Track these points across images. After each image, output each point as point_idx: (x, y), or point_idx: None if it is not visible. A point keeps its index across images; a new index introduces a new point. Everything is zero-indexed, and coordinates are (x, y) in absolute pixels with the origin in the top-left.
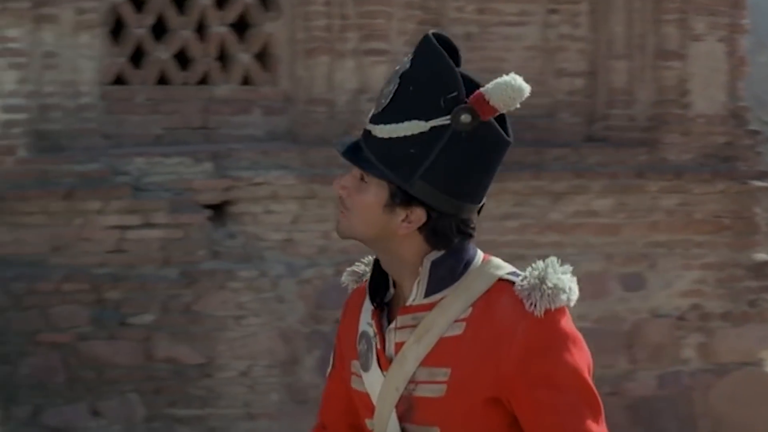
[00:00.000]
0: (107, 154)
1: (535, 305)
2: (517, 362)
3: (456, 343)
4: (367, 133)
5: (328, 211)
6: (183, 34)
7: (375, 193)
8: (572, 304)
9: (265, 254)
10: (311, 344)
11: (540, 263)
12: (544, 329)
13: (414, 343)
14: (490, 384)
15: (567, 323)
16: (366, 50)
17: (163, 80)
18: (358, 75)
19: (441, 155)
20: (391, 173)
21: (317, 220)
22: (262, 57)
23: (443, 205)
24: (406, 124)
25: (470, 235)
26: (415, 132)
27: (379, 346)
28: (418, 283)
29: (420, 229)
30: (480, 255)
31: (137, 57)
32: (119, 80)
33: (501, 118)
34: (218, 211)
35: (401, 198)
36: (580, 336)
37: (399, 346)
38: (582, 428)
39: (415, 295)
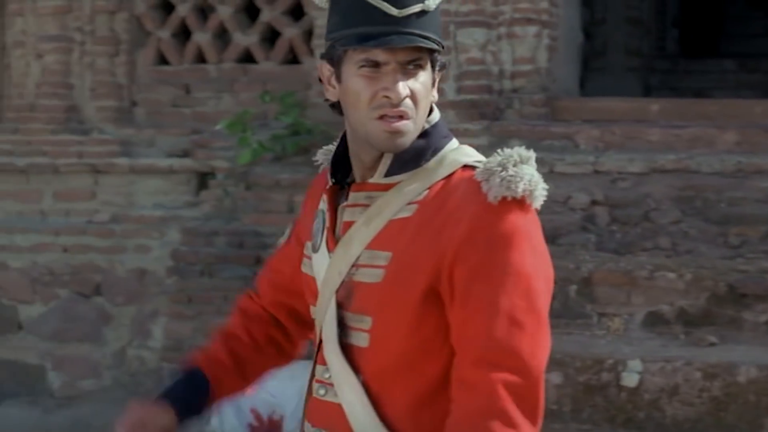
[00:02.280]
0: None
1: (490, 190)
2: (459, 249)
3: (403, 226)
4: (412, 16)
5: None
6: None
7: (429, 73)
8: (534, 201)
9: None
10: None
11: (507, 150)
12: (496, 218)
13: (363, 224)
14: (429, 272)
15: (525, 219)
16: None
17: None
18: None
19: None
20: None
21: None
22: None
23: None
24: None
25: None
26: None
27: (328, 224)
28: (382, 159)
29: None
30: (454, 144)
31: None
32: None
33: None
34: None
35: (439, 63)
36: (539, 239)
37: (347, 226)
38: (511, 340)
39: (377, 172)
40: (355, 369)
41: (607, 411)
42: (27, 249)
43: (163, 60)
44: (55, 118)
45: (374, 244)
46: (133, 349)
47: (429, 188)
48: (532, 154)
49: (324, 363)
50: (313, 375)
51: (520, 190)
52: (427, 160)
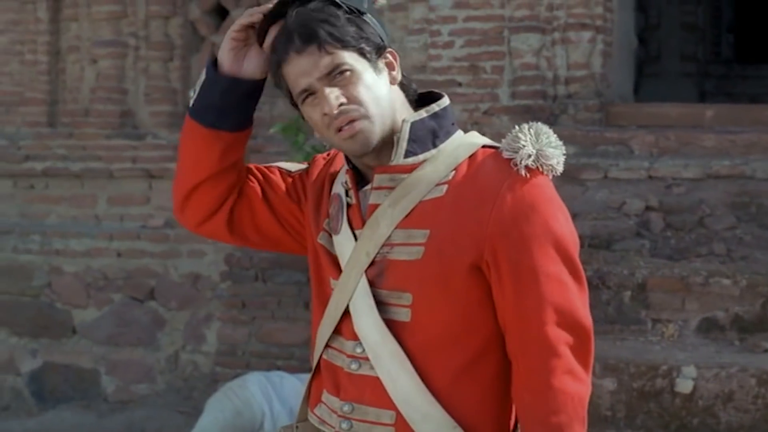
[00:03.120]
0: None
1: (521, 162)
2: (500, 222)
3: (437, 205)
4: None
5: None
6: None
7: (366, 68)
8: (558, 172)
9: None
10: None
11: (527, 126)
12: (531, 189)
13: (389, 206)
14: (470, 247)
15: (551, 188)
16: None
17: None
18: None
19: None
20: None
21: None
22: None
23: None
24: None
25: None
26: None
27: (353, 202)
28: (398, 141)
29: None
30: (461, 132)
31: None
32: None
33: None
34: None
35: (372, 47)
36: (563, 204)
37: (372, 208)
38: (565, 302)
39: (394, 155)
40: (398, 342)
41: (661, 417)
42: (81, 254)
43: None
44: (110, 122)
45: (408, 224)
46: (186, 354)
47: (455, 169)
48: (547, 128)
49: (354, 338)
50: (335, 350)
51: (550, 165)
52: (442, 141)
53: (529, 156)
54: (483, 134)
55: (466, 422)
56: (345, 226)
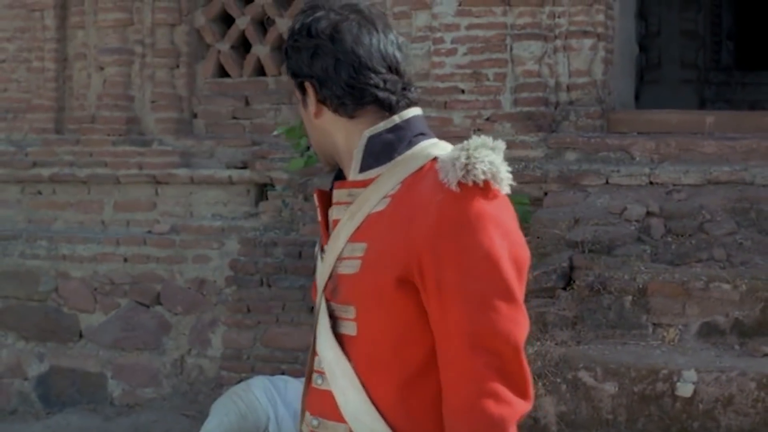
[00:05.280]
0: None
1: (448, 177)
2: (427, 238)
3: (377, 219)
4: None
5: None
6: None
7: (308, 98)
8: (500, 185)
9: None
10: None
11: (472, 139)
12: (459, 205)
13: (347, 220)
14: (400, 261)
15: (490, 204)
16: None
17: None
18: None
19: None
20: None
21: None
22: None
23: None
24: None
25: (399, 106)
26: None
27: (320, 219)
28: (354, 156)
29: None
30: (431, 139)
31: None
32: None
33: None
34: None
35: (297, 81)
36: (508, 222)
37: (335, 223)
38: (486, 322)
39: (351, 169)
40: (348, 357)
41: (661, 421)
42: (88, 259)
43: (222, 72)
44: (116, 129)
45: (353, 237)
46: (192, 358)
47: (402, 182)
48: (500, 144)
49: (318, 353)
50: (311, 366)
51: (478, 174)
52: (401, 153)
53: (458, 169)
54: None
55: None
56: (320, 244)
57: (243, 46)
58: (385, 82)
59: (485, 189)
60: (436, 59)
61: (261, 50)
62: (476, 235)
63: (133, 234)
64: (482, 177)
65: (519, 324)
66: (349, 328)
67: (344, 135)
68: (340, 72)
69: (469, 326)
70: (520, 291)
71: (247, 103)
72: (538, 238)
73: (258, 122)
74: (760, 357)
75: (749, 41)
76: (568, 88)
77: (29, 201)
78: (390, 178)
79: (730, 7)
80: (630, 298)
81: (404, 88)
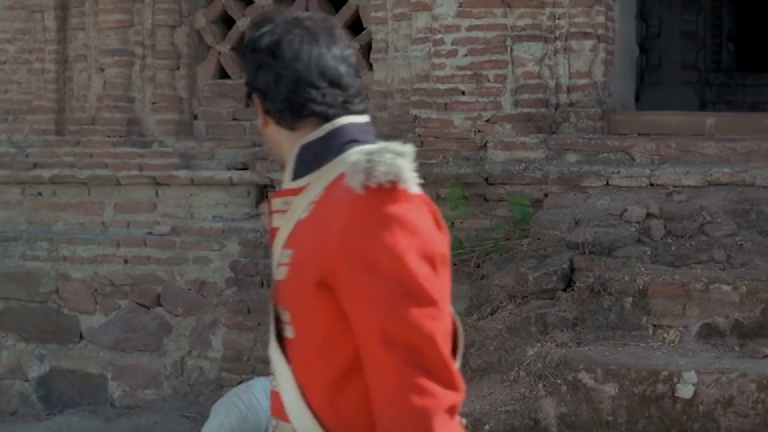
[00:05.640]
0: None
1: (352, 180)
2: (338, 242)
3: (302, 226)
4: None
5: None
6: None
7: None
8: (406, 186)
9: None
10: None
11: (378, 144)
12: (364, 207)
13: (284, 227)
14: (317, 265)
15: (395, 204)
16: None
17: None
18: None
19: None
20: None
21: None
22: None
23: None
24: None
25: (332, 115)
26: None
27: (269, 227)
28: (288, 166)
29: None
30: (363, 146)
31: None
32: None
33: None
34: None
35: (247, 93)
36: (415, 221)
37: (275, 231)
38: (397, 320)
39: (285, 178)
40: (287, 359)
41: (662, 422)
42: (88, 260)
43: (223, 73)
44: (117, 130)
45: (285, 244)
46: (192, 360)
47: (325, 188)
48: (407, 148)
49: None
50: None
51: (380, 177)
52: (329, 160)
53: (360, 172)
54: (485, 143)
55: None
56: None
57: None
58: (324, 96)
59: (391, 190)
60: (436, 60)
61: None
62: (381, 235)
63: (133, 235)
64: (385, 178)
65: (433, 317)
66: (289, 332)
67: (288, 145)
68: (280, 86)
69: (380, 324)
70: (435, 286)
71: (247, 104)
72: (538, 239)
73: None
74: (760, 358)
75: (750, 43)
76: (569, 90)
77: (30, 202)
78: (317, 185)
79: (730, 9)
80: (630, 299)
81: (345, 101)
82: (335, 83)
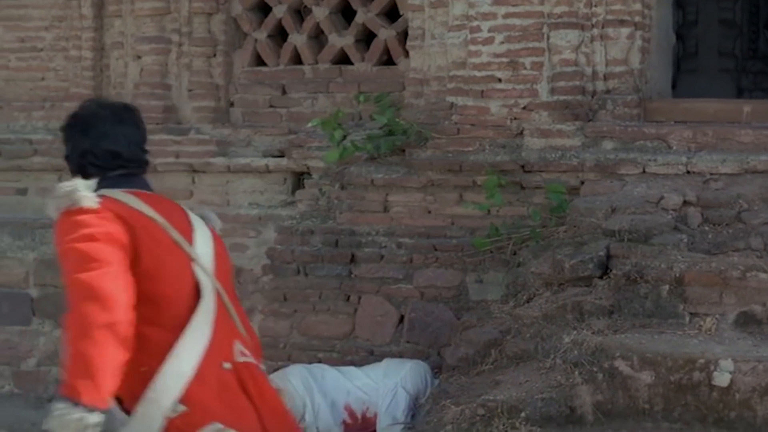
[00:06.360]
0: None
1: (51, 211)
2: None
3: None
4: None
5: None
6: None
7: None
8: (80, 204)
9: None
10: None
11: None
12: (55, 224)
13: None
14: None
15: (66, 218)
16: None
17: None
18: None
19: None
20: None
21: None
22: None
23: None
24: None
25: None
26: None
27: None
28: None
29: None
30: (106, 190)
31: None
32: None
33: None
34: None
35: None
36: (79, 219)
37: None
38: (70, 278)
39: None
40: None
41: (698, 410)
42: None
43: (259, 61)
44: (153, 118)
45: None
46: None
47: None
48: (80, 182)
49: None
50: None
51: (60, 204)
52: None
53: (54, 206)
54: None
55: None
56: None
57: (280, 34)
58: (99, 160)
59: (67, 211)
60: (472, 48)
61: (298, 39)
62: (58, 239)
63: None
64: (63, 204)
65: (91, 268)
66: None
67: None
68: (74, 153)
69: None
70: (100, 253)
71: (284, 91)
72: (574, 227)
73: (295, 111)
74: None
75: None
76: (605, 77)
77: None
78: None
79: None
80: (667, 287)
81: (121, 165)
82: (112, 153)
